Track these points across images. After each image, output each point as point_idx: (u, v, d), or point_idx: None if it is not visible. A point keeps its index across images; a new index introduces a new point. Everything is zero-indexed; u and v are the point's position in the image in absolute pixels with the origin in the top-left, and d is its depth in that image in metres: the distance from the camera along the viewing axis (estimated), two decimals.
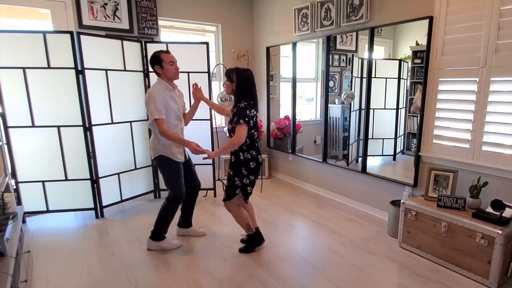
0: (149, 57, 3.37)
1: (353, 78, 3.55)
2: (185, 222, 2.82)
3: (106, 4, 3.55)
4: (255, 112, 2.26)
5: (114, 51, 3.20)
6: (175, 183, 2.52)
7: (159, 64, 2.41)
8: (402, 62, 3.03)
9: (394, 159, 3.27)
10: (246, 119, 2.19)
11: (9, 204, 2.22)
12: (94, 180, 3.16)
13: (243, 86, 2.25)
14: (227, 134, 2.45)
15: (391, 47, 3.06)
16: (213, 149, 3.70)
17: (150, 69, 3.44)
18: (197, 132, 3.42)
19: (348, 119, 3.64)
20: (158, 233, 2.57)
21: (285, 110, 4.38)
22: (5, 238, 1.77)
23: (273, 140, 4.63)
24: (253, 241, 2.53)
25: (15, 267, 1.75)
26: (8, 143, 2.88)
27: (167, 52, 2.49)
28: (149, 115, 2.36)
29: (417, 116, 2.78)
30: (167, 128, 2.38)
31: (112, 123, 3.24)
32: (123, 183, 3.42)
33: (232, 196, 2.36)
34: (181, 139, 2.43)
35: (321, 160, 3.82)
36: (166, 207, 2.55)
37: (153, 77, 3.46)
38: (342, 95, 3.65)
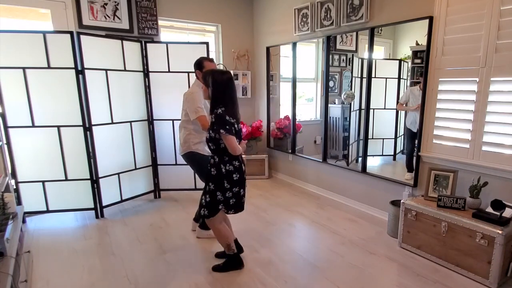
0: (149, 57, 3.45)
1: (353, 78, 3.55)
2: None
3: (106, 4, 3.55)
4: (234, 119, 2.06)
5: (114, 51, 3.19)
6: None
7: (200, 69, 2.60)
8: (402, 62, 3.03)
9: (394, 159, 3.27)
10: (227, 127, 1.98)
11: (9, 204, 2.22)
12: (94, 180, 3.16)
13: (218, 91, 2.04)
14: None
15: (391, 47, 3.06)
16: None
17: (150, 69, 3.47)
18: None
19: (348, 119, 3.64)
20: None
21: (285, 110, 4.38)
22: (5, 238, 1.77)
23: (273, 140, 4.63)
24: (231, 263, 2.30)
25: (15, 267, 1.75)
26: (8, 143, 2.87)
27: (211, 60, 2.66)
28: (191, 113, 2.51)
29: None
30: (200, 128, 2.58)
31: (112, 123, 3.24)
32: (123, 183, 3.42)
33: (216, 213, 2.17)
34: None
35: (321, 160, 3.82)
36: None
37: (153, 77, 3.50)
38: (342, 95, 3.65)
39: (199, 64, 2.61)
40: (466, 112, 2.41)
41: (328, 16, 3.41)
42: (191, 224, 2.99)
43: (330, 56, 3.55)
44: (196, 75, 2.67)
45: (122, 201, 3.44)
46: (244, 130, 4.23)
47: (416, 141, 2.78)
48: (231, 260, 2.31)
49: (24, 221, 3.08)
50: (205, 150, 2.66)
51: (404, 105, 2.98)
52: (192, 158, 2.66)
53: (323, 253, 2.53)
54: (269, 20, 4.37)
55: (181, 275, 2.25)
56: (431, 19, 2.53)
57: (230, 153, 2.06)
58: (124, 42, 3.26)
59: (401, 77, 3.11)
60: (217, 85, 2.04)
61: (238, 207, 2.20)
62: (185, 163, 2.78)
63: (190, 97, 2.54)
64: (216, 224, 2.23)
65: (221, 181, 2.11)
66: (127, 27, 3.70)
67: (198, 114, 2.49)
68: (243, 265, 2.33)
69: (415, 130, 2.87)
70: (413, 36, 2.81)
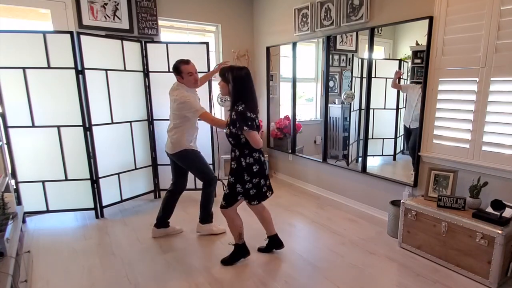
0: (149, 57, 3.45)
1: (353, 78, 3.55)
2: (165, 222, 2.81)
3: (106, 4, 3.55)
4: (254, 115, 2.11)
5: (114, 51, 3.20)
6: (205, 168, 2.74)
7: (179, 74, 2.59)
8: (402, 62, 3.03)
9: (394, 159, 3.27)
10: (249, 123, 2.05)
11: (9, 204, 2.22)
12: (94, 180, 3.16)
13: (238, 87, 2.08)
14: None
15: (391, 47, 3.06)
16: (213, 149, 3.71)
17: (150, 69, 3.48)
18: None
19: (348, 119, 3.64)
20: (207, 216, 2.81)
21: (285, 110, 4.38)
22: (5, 238, 1.77)
23: (273, 140, 4.63)
24: (238, 252, 2.38)
25: (15, 267, 1.75)
26: (8, 143, 2.87)
27: (187, 62, 2.60)
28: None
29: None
30: (194, 125, 2.69)
31: (112, 123, 3.24)
32: (123, 183, 3.42)
33: (233, 203, 2.25)
34: (219, 120, 2.62)
35: (321, 160, 3.82)
36: (207, 192, 2.76)
37: (153, 77, 3.50)
38: (342, 95, 3.65)
39: (177, 69, 2.58)
40: (466, 112, 2.41)
41: (328, 16, 3.41)
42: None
43: (330, 56, 3.55)
44: (177, 80, 2.63)
45: (122, 201, 3.44)
46: None
47: (413, 139, 2.78)
48: (237, 249, 2.39)
49: (24, 221, 3.08)
50: (196, 146, 2.74)
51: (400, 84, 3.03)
52: (186, 156, 2.66)
53: (323, 253, 2.53)
54: (269, 20, 4.37)
55: (181, 275, 2.25)
56: (431, 19, 2.53)
57: (250, 146, 2.13)
58: (124, 42, 3.26)
59: (401, 77, 3.11)
60: (237, 80, 2.08)
61: (259, 197, 2.27)
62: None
63: (185, 100, 2.50)
64: (230, 213, 2.30)
65: (241, 174, 2.17)
66: (127, 27, 3.70)
67: (201, 111, 2.51)
68: (249, 253, 2.42)
69: (408, 126, 2.90)
70: (413, 36, 2.81)
